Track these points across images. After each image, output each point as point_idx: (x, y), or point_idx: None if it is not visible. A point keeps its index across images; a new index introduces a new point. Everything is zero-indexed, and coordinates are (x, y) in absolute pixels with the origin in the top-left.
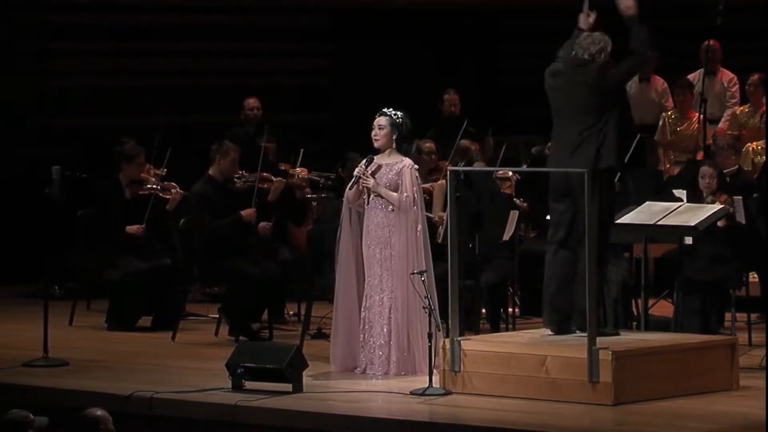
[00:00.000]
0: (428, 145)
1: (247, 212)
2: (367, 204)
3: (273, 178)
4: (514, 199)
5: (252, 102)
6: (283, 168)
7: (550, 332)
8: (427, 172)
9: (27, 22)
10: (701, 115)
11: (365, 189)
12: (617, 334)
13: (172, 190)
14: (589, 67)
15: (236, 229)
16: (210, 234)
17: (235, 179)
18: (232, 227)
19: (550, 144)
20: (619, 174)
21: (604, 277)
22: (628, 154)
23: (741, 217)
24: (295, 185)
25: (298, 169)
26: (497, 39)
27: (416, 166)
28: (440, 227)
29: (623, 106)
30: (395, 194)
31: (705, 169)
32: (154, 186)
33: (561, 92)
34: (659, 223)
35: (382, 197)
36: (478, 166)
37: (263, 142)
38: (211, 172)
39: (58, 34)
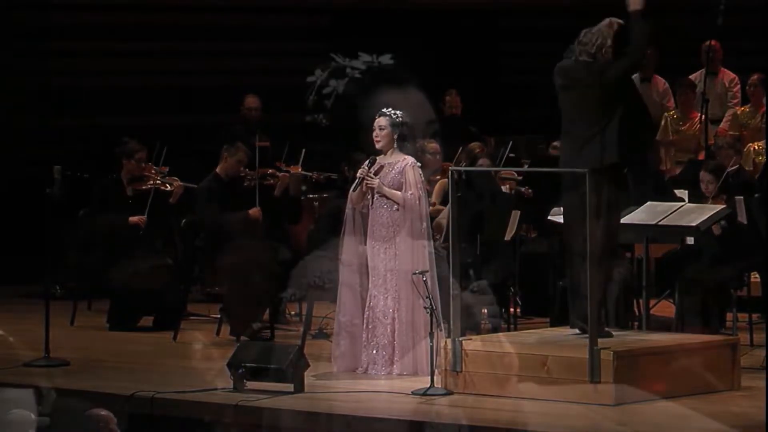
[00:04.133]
0: (433, 145)
1: (254, 211)
2: (372, 204)
3: (277, 173)
4: (519, 188)
5: (252, 101)
6: (278, 166)
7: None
8: (431, 173)
9: (27, 22)
10: (703, 115)
11: (369, 190)
12: (610, 335)
13: (174, 183)
14: (592, 67)
15: (243, 223)
16: (215, 226)
17: (241, 176)
18: (239, 222)
19: (556, 143)
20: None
21: (608, 276)
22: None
23: (742, 217)
24: (291, 182)
25: (291, 167)
26: (497, 39)
27: (419, 164)
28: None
29: (632, 101)
30: (399, 193)
31: (703, 174)
32: (156, 180)
33: (567, 91)
34: (661, 223)
35: (387, 197)
36: (483, 165)
37: (256, 142)
38: (218, 169)
39: (58, 34)
